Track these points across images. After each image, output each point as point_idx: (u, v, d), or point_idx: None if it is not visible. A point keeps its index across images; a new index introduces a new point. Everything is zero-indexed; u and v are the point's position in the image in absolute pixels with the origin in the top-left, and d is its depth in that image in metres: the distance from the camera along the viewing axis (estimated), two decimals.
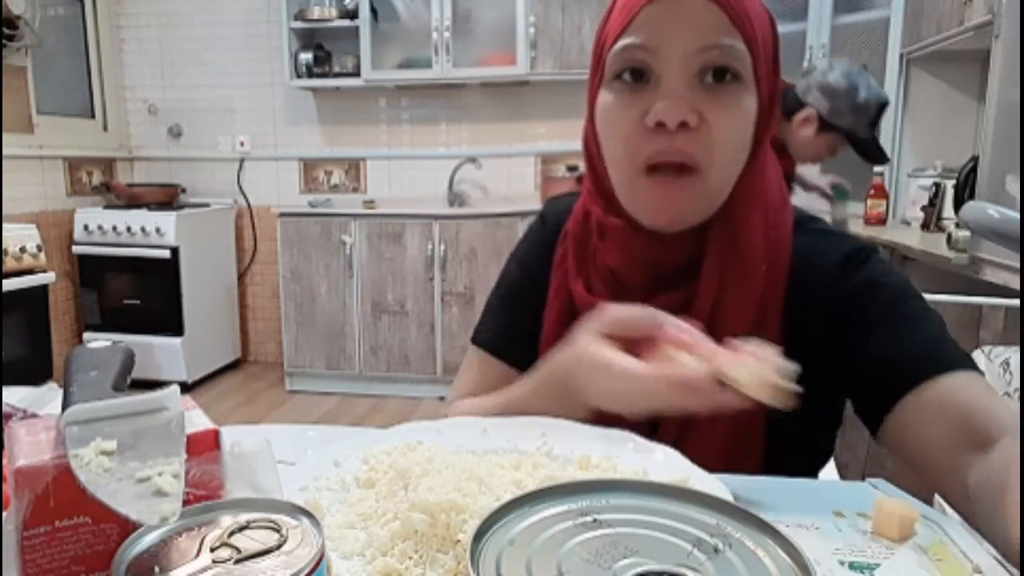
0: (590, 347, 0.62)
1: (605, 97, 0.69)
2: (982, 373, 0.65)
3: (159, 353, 3.54)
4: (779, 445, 0.69)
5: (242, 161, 4.02)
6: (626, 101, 0.67)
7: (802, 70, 2.10)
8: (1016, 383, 0.80)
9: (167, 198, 3.82)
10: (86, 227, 3.53)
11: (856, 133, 1.93)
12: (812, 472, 0.78)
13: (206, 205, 3.86)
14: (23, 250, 2.90)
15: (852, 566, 0.46)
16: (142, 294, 3.58)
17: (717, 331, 0.68)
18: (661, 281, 0.72)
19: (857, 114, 1.90)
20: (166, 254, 3.47)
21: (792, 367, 0.53)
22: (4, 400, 0.71)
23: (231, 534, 0.33)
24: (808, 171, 2.15)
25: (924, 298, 0.71)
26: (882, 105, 1.93)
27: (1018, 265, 1.62)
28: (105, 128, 3.96)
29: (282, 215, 3.53)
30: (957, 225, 2.01)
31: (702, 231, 0.70)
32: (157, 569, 0.31)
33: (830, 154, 1.99)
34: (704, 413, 0.56)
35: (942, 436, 0.61)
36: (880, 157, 2.03)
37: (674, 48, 0.65)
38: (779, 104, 0.74)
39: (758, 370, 0.53)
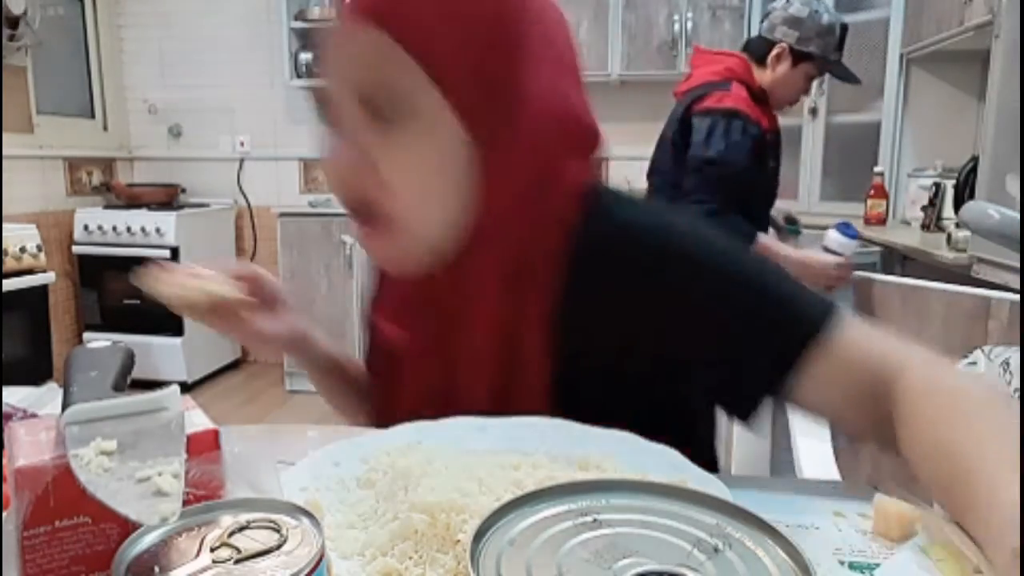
0: None
1: None
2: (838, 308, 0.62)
3: (159, 353, 3.53)
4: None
5: (242, 161, 4.02)
6: (326, 144, 0.64)
7: (763, 12, 2.13)
8: (1016, 383, 0.80)
9: (167, 198, 3.82)
10: (86, 227, 3.53)
11: (827, 56, 1.96)
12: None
13: (206, 205, 3.86)
14: (23, 250, 2.90)
15: (852, 566, 0.46)
16: (142, 294, 3.53)
17: (463, 365, 0.67)
18: (424, 315, 0.71)
19: (825, 37, 1.94)
20: (166, 254, 3.47)
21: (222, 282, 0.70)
22: (4, 400, 0.71)
23: (231, 534, 0.33)
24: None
25: (749, 252, 0.65)
26: (843, 27, 1.98)
27: (1018, 265, 1.62)
28: (105, 128, 3.96)
29: (282, 215, 3.53)
30: (957, 225, 2.01)
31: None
32: (157, 569, 0.31)
33: (807, 85, 2.02)
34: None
35: (847, 400, 0.60)
36: (853, 77, 2.06)
37: (333, 84, 0.60)
38: (508, 139, 0.61)
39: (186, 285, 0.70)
